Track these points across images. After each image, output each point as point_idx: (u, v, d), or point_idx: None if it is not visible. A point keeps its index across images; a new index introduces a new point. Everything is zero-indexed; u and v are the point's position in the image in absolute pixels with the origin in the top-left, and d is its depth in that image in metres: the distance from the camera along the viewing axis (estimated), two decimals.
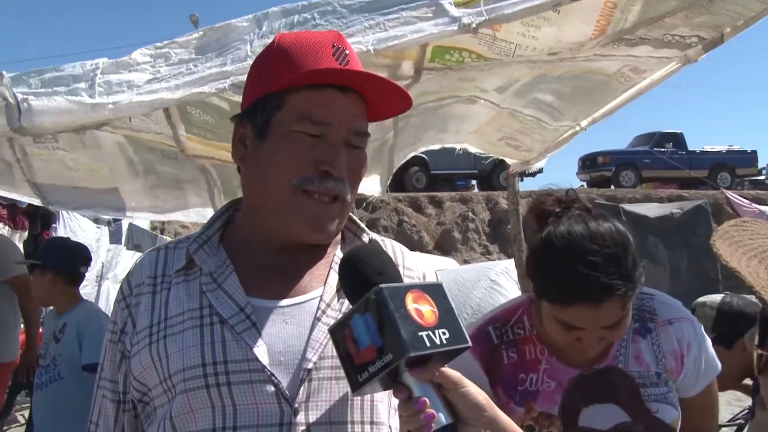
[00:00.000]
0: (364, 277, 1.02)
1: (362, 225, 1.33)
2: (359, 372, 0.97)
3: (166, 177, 3.48)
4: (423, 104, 3.05)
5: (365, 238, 1.31)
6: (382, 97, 1.21)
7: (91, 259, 3.66)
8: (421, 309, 0.98)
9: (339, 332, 1.01)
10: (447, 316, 1.01)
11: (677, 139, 21.10)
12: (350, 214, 1.30)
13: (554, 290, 1.52)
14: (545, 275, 1.55)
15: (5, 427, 6.19)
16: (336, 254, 1.27)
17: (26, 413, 5.67)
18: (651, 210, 13.92)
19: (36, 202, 3.44)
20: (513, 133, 3.60)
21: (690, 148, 21.13)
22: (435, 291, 1.03)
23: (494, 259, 15.32)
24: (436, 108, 3.09)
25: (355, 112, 1.20)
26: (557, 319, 1.54)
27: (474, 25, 1.69)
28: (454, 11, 1.74)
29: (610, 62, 2.57)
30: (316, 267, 1.24)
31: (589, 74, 2.70)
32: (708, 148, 21.74)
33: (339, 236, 1.32)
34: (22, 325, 5.03)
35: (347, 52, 1.20)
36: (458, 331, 1.00)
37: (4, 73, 1.39)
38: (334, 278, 1.21)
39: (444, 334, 0.98)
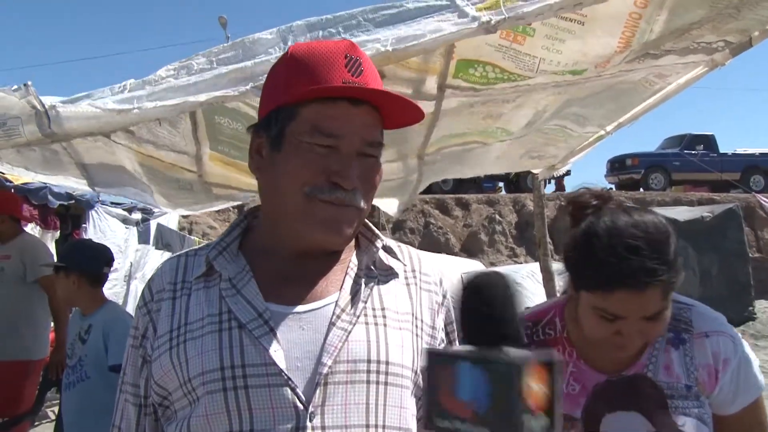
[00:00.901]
0: (493, 320, 0.94)
1: (376, 231, 1.34)
2: (441, 416, 0.91)
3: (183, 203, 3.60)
4: (448, 147, 3.05)
5: (379, 244, 1.31)
6: (395, 108, 1.22)
7: (113, 260, 3.71)
8: (537, 390, 0.90)
9: (439, 364, 0.93)
10: (555, 402, 0.91)
11: (708, 142, 20.75)
12: (365, 220, 1.31)
13: (596, 276, 1.48)
14: (587, 262, 1.51)
15: (36, 423, 6.31)
16: (351, 260, 1.28)
17: (56, 410, 5.76)
18: (681, 213, 13.69)
19: (83, 184, 3.50)
20: (537, 146, 3.60)
21: (722, 151, 20.80)
22: (555, 368, 0.93)
23: (521, 262, 15.25)
24: (462, 152, 3.10)
25: (367, 122, 1.21)
26: (597, 308, 1.50)
27: (493, 23, 1.68)
28: (476, 14, 1.74)
29: (635, 74, 2.54)
30: (332, 273, 1.25)
31: (615, 86, 2.67)
32: (740, 151, 21.37)
33: (354, 242, 1.32)
34: (52, 324, 5.13)
35: (360, 61, 1.21)
36: (559, 419, 0.92)
37: (30, 83, 1.42)
38: (349, 283, 1.23)
39: (546, 421, 0.90)
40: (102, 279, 3.51)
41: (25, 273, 4.89)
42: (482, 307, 0.96)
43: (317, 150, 1.18)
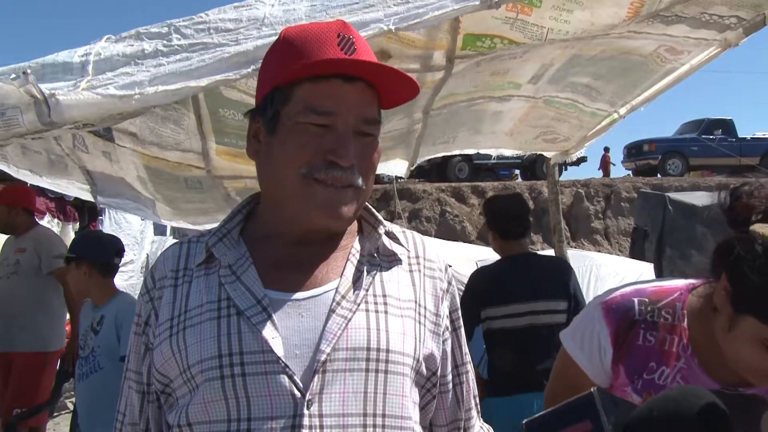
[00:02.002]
0: None
1: (379, 216, 1.32)
2: None
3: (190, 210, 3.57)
4: (454, 103, 3.02)
5: (381, 230, 1.29)
6: (390, 84, 1.20)
7: (123, 250, 3.71)
8: None
9: None
10: None
11: (727, 126, 20.51)
12: (368, 205, 1.29)
13: None
14: None
15: (55, 414, 6.38)
16: (353, 246, 1.26)
17: (74, 400, 5.84)
18: (700, 198, 13.50)
19: (87, 191, 3.51)
20: (549, 123, 3.55)
21: (741, 135, 20.53)
22: None
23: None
24: (469, 106, 3.06)
25: (362, 100, 1.19)
26: (766, 340, 1.30)
27: (495, 0, 1.65)
28: None
29: (645, 41, 2.51)
30: (333, 259, 1.23)
31: (625, 55, 2.64)
32: (760, 135, 21.09)
33: (356, 227, 1.31)
34: (68, 316, 5.17)
35: (353, 40, 1.19)
36: None
37: (29, 71, 1.39)
38: (350, 270, 1.21)
39: None
40: (113, 269, 3.51)
41: (40, 265, 4.94)
42: None
43: (312, 130, 1.16)
